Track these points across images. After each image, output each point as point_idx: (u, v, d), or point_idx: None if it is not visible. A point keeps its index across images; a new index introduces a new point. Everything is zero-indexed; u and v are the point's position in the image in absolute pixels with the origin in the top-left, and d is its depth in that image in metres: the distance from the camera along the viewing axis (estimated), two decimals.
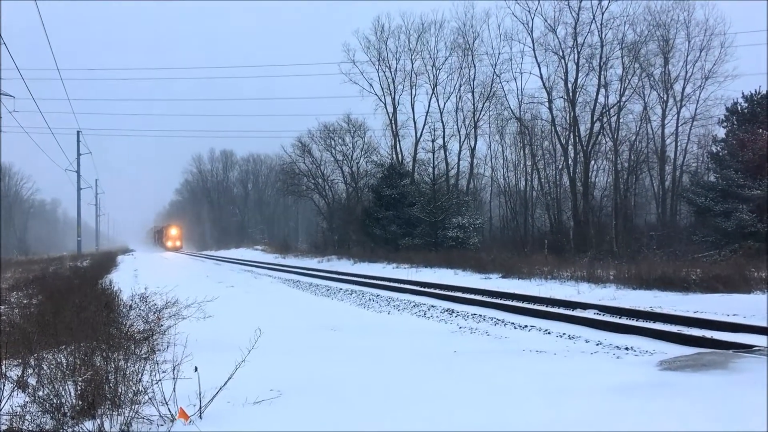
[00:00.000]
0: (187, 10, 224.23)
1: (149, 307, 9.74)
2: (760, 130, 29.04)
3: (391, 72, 48.20)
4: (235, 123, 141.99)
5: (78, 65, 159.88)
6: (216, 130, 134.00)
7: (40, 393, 5.31)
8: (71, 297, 11.34)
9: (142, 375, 5.60)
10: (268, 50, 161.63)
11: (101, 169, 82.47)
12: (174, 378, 5.26)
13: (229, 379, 5.42)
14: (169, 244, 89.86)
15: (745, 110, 30.64)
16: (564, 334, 10.42)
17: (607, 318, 11.83)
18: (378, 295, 17.60)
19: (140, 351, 7.25)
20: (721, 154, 31.71)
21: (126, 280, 19.85)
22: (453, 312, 13.62)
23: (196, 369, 5.30)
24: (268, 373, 6.78)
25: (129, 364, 5.99)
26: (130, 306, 9.72)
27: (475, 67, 45.62)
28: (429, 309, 14.30)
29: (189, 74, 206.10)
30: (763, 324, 10.05)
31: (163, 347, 7.97)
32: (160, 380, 5.24)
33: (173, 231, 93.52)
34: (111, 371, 5.56)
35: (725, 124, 32.51)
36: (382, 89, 48.52)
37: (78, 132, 55.45)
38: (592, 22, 39.64)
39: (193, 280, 22.61)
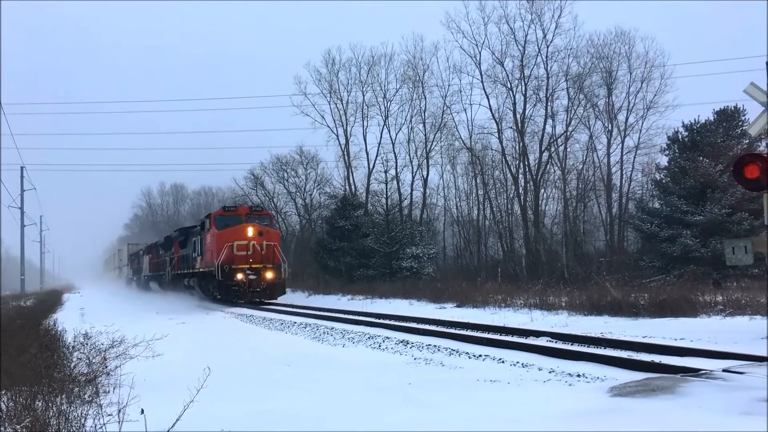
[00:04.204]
0: (135, 41, 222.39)
1: (94, 348, 9.43)
2: (701, 158, 30.17)
3: (342, 104, 48.41)
4: (185, 156, 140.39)
5: (22, 99, 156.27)
6: (166, 164, 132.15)
7: None
8: (13, 339, 10.90)
9: (86, 419, 5.41)
10: (219, 83, 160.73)
11: (46, 205, 79.80)
12: (119, 421, 5.09)
13: (177, 420, 5.26)
14: (240, 276, 26.86)
15: (686, 139, 31.81)
16: (518, 362, 10.49)
17: (560, 345, 11.95)
18: (332, 328, 17.43)
19: (84, 394, 7.00)
20: (664, 181, 32.76)
21: (71, 320, 19.20)
22: (408, 343, 13.57)
23: (142, 411, 5.14)
24: (219, 412, 6.63)
25: (72, 408, 5.77)
26: (73, 347, 9.40)
27: (425, 98, 46.20)
28: (384, 341, 14.23)
29: (137, 107, 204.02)
30: (709, 347, 10.32)
31: (109, 389, 7.72)
32: (104, 424, 5.07)
33: (250, 232, 27.66)
34: (53, 416, 5.35)
35: (667, 152, 33.66)
36: (334, 121, 48.64)
37: (22, 168, 53.99)
38: (537, 55, 40.87)
39: (142, 317, 22.00)
